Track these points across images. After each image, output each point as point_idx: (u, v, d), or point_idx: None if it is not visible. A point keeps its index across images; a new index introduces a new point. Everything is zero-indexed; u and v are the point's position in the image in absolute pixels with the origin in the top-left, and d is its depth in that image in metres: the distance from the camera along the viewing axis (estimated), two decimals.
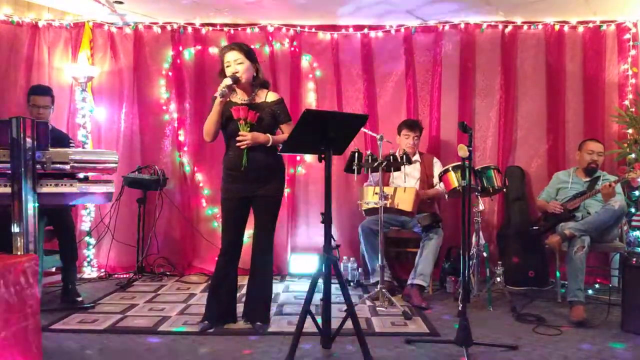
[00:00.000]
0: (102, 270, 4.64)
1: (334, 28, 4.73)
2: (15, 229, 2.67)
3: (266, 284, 3.11)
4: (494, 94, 4.67)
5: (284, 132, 3.02)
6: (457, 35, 4.68)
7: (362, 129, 3.58)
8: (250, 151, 2.92)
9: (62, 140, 3.69)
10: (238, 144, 2.89)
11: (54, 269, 4.03)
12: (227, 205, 3.04)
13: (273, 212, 3.07)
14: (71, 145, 3.83)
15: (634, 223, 4.07)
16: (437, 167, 4.22)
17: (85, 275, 4.56)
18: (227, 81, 2.87)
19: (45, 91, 3.78)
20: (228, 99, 2.98)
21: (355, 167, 3.50)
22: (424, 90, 4.74)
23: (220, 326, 3.06)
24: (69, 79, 4.65)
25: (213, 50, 4.75)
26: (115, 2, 4.27)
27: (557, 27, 4.61)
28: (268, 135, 2.94)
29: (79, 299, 3.55)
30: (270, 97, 3.04)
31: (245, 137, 2.87)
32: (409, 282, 3.78)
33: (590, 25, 4.58)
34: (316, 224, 4.69)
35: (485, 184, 3.69)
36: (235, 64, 2.92)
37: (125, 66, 4.75)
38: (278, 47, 4.77)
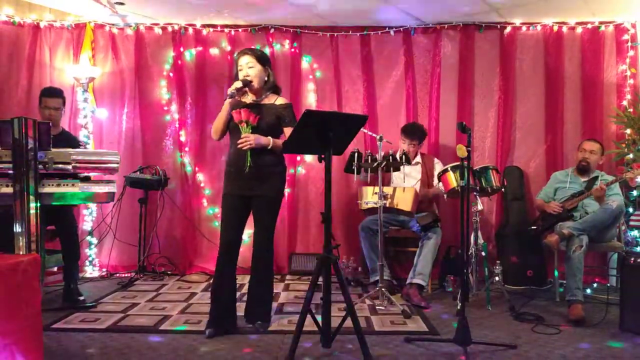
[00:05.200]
0: (104, 269, 4.66)
1: (333, 29, 4.75)
2: (17, 228, 2.70)
3: (267, 283, 3.12)
4: (493, 95, 4.69)
5: (286, 134, 3.03)
6: (456, 36, 4.70)
7: (362, 130, 3.60)
8: (252, 151, 2.93)
9: (72, 143, 3.72)
10: (240, 145, 2.89)
11: (55, 269, 4.06)
12: (227, 202, 3.05)
13: (273, 212, 3.08)
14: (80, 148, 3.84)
15: (631, 223, 4.09)
16: (439, 168, 4.23)
17: (87, 275, 4.57)
18: (238, 84, 2.95)
19: (56, 93, 3.84)
20: (239, 100, 3.05)
21: (355, 167, 3.52)
22: (423, 90, 4.76)
23: (223, 332, 2.95)
24: (70, 79, 4.67)
25: (214, 51, 4.79)
26: (117, 3, 4.29)
27: (555, 28, 4.63)
28: (269, 138, 2.96)
29: (81, 298, 3.56)
30: (279, 101, 3.08)
31: (248, 138, 2.89)
32: (408, 281, 3.79)
33: (589, 26, 4.60)
34: (316, 224, 4.71)
35: (483, 184, 3.71)
36: (247, 67, 2.99)
37: (127, 67, 4.77)
38: (278, 48, 4.79)
